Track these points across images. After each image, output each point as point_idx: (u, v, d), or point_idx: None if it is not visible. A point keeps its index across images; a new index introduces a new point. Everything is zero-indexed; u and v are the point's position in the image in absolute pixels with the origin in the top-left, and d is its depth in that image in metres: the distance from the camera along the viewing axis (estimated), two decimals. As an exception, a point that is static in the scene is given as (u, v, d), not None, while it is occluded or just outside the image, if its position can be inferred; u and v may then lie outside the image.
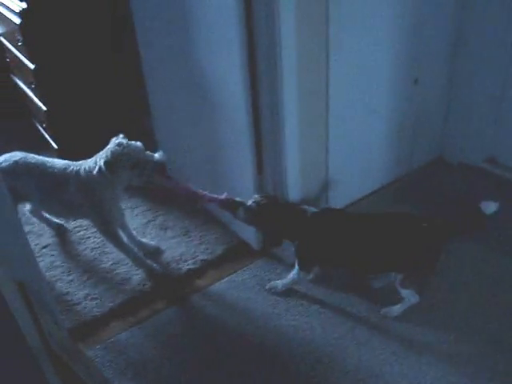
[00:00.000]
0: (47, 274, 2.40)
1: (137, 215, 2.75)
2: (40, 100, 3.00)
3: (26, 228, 2.56)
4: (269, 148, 2.13)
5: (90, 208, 2.18)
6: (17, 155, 2.26)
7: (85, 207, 2.18)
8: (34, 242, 2.55)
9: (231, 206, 1.95)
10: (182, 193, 2.06)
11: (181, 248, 2.50)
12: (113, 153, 2.02)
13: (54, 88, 2.92)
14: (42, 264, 2.45)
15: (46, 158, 2.27)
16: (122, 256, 2.45)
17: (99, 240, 2.59)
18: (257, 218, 1.95)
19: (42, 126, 3.17)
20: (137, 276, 2.37)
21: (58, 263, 2.48)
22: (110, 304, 2.24)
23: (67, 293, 2.31)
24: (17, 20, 2.74)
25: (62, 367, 1.45)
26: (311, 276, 2.19)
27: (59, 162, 2.22)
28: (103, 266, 2.45)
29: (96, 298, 2.28)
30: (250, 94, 2.01)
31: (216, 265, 2.40)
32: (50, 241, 2.62)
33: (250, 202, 1.95)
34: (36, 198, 2.31)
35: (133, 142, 2.06)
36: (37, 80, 2.90)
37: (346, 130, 2.34)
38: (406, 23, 2.27)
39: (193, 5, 2.06)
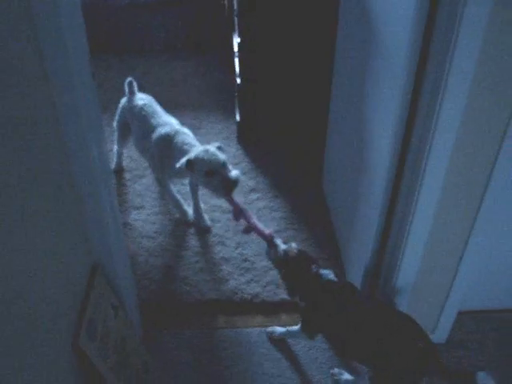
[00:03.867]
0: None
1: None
2: (238, 71, 3.07)
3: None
4: (397, 221, 1.91)
5: (155, 160, 2.55)
6: (144, 99, 2.72)
7: (154, 157, 2.55)
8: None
9: (269, 243, 1.98)
10: (237, 212, 2.10)
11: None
12: (197, 156, 2.22)
13: (250, 66, 2.97)
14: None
15: (160, 112, 2.66)
16: (233, 255, 2.53)
17: (225, 229, 2.67)
18: (279, 265, 1.96)
19: (235, 96, 3.28)
20: (235, 281, 2.41)
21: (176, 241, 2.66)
22: (197, 297, 2.34)
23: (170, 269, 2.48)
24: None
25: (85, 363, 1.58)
26: None
27: (162, 119, 2.59)
28: (214, 256, 2.54)
29: (191, 284, 2.40)
30: (392, 182, 1.83)
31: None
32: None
33: (282, 247, 1.93)
34: (135, 134, 2.73)
35: (218, 154, 2.21)
36: (240, 53, 2.97)
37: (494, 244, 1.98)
38: None
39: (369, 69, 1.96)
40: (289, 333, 2.15)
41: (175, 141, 2.43)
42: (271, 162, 3.13)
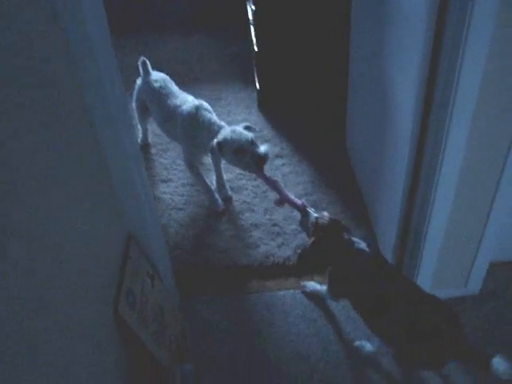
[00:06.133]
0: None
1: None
2: (255, 39, 3.05)
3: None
4: (424, 173, 1.90)
5: (184, 140, 2.55)
6: (159, 79, 2.69)
7: (182, 138, 2.56)
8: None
9: (302, 212, 2.00)
10: (270, 186, 2.15)
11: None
12: (225, 137, 2.27)
13: (267, 32, 2.96)
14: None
15: (176, 92, 2.64)
16: (263, 220, 2.55)
17: (252, 196, 2.70)
18: (311, 232, 1.94)
19: (252, 63, 3.27)
20: (265, 246, 2.44)
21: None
22: (230, 263, 2.38)
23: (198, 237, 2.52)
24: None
25: (126, 331, 1.64)
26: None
27: (180, 98, 2.58)
28: (244, 223, 2.57)
29: (222, 252, 2.44)
30: (417, 135, 1.83)
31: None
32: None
33: (314, 216, 1.93)
34: (155, 117, 2.73)
35: (244, 132, 2.26)
36: (255, 20, 2.95)
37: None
38: None
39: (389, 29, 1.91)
40: (318, 291, 2.21)
41: (201, 119, 2.43)
42: (294, 127, 3.13)
